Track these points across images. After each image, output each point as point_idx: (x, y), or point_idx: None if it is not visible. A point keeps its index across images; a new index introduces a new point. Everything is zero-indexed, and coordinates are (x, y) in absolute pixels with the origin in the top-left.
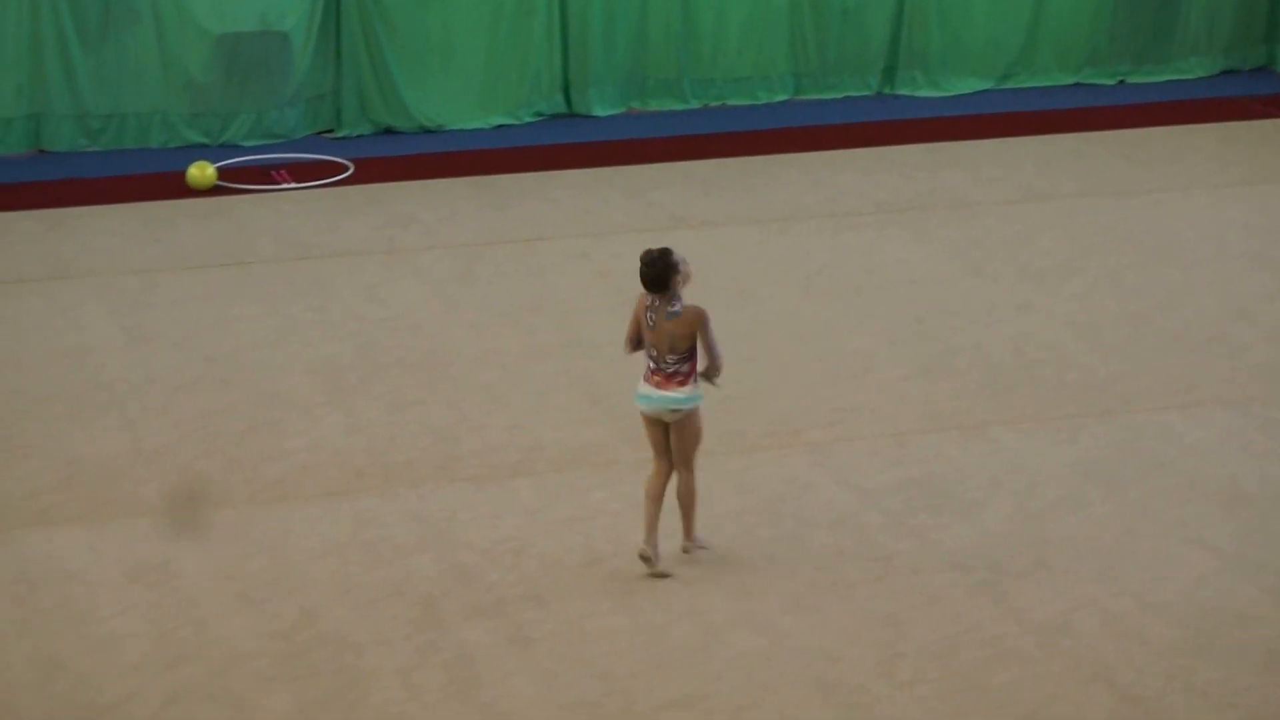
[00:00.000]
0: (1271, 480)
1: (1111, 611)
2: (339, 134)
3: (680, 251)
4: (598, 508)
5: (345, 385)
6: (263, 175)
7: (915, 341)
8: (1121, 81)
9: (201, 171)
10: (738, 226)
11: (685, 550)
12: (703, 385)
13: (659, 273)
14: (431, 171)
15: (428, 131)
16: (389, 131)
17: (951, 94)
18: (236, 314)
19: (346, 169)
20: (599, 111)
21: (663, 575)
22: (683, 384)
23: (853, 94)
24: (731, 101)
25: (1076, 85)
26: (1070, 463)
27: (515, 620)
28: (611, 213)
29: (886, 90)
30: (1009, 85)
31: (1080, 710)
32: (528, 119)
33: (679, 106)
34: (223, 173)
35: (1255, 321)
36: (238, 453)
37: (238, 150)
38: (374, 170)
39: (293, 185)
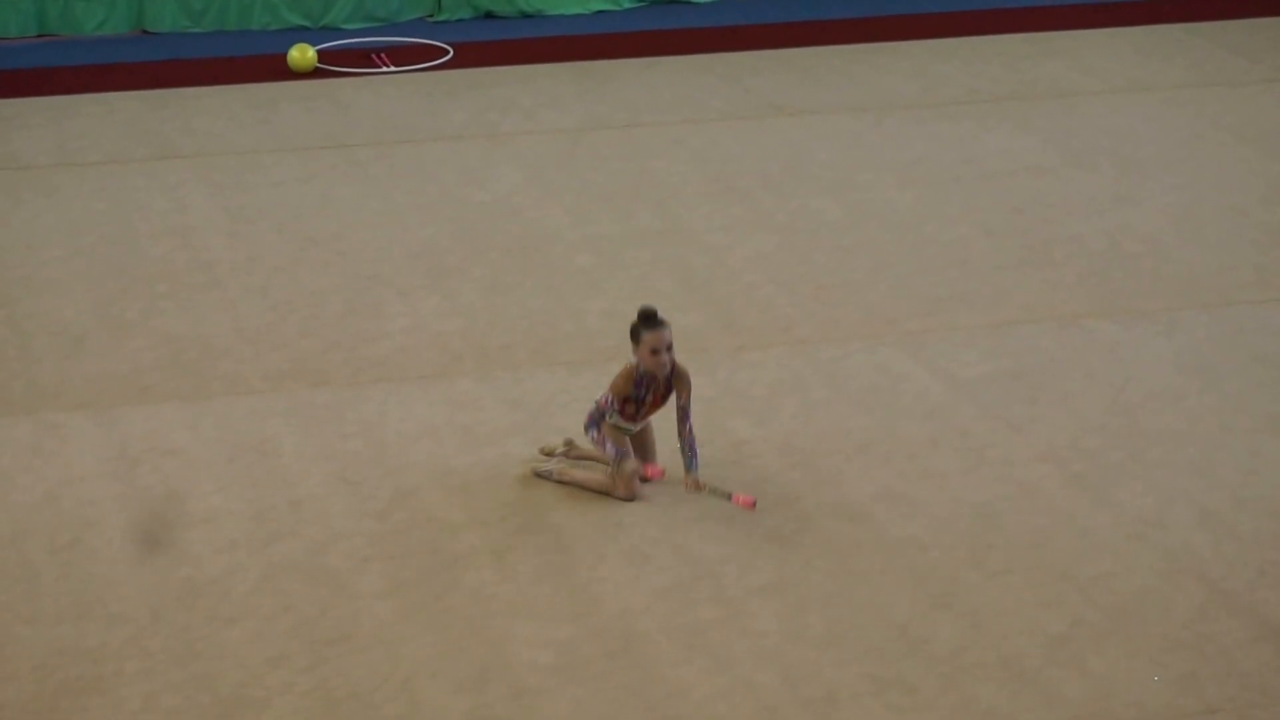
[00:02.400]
0: None
1: (1205, 505)
2: (439, 18)
3: (665, 336)
4: (692, 394)
5: (444, 268)
6: (363, 58)
7: (1012, 232)
8: None
9: (302, 54)
10: (835, 115)
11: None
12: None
13: (632, 327)
14: (531, 57)
15: (527, 16)
16: (489, 16)
17: None
18: (337, 196)
19: (447, 53)
20: None
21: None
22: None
23: None
24: None
25: None
26: (1167, 355)
27: (607, 504)
28: (709, 99)
29: None
30: None
31: (1171, 602)
32: (627, 5)
33: None
34: (323, 56)
35: None
36: (336, 334)
37: (339, 33)
38: (474, 55)
39: (393, 69)
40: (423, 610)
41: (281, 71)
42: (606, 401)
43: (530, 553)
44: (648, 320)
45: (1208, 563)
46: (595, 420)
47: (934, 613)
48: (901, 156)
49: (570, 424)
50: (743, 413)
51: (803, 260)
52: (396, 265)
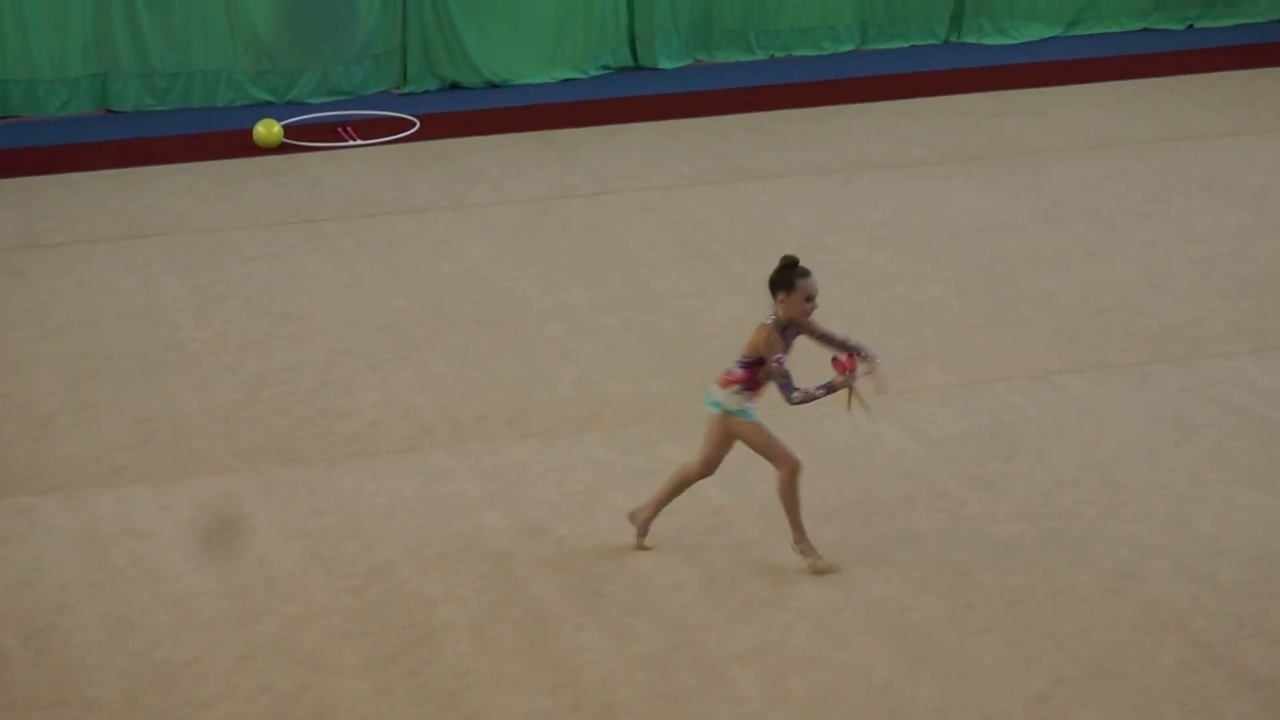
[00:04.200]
0: None
1: (1182, 558)
2: (405, 90)
3: (813, 284)
4: (666, 461)
5: (414, 341)
6: (330, 132)
7: (983, 290)
8: (1190, 26)
9: (268, 130)
10: (804, 177)
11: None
12: (735, 402)
13: (770, 277)
14: (498, 127)
15: (494, 87)
16: (455, 87)
17: (1019, 41)
18: (306, 271)
19: (413, 125)
20: (665, 64)
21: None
22: (722, 384)
23: (919, 43)
24: (797, 52)
25: (1144, 30)
26: (1140, 409)
27: (585, 574)
28: (677, 165)
29: (954, 38)
30: (1076, 32)
31: (1151, 656)
32: (593, 73)
33: (745, 58)
34: (290, 130)
35: None
36: (308, 410)
37: (304, 108)
38: (441, 126)
39: (360, 142)
40: (402, 685)
41: (248, 147)
42: (780, 363)
43: (508, 625)
44: (800, 270)
45: (1187, 615)
46: (788, 384)
47: (915, 673)
48: (871, 217)
49: (546, 492)
50: (718, 479)
51: None
52: (367, 339)
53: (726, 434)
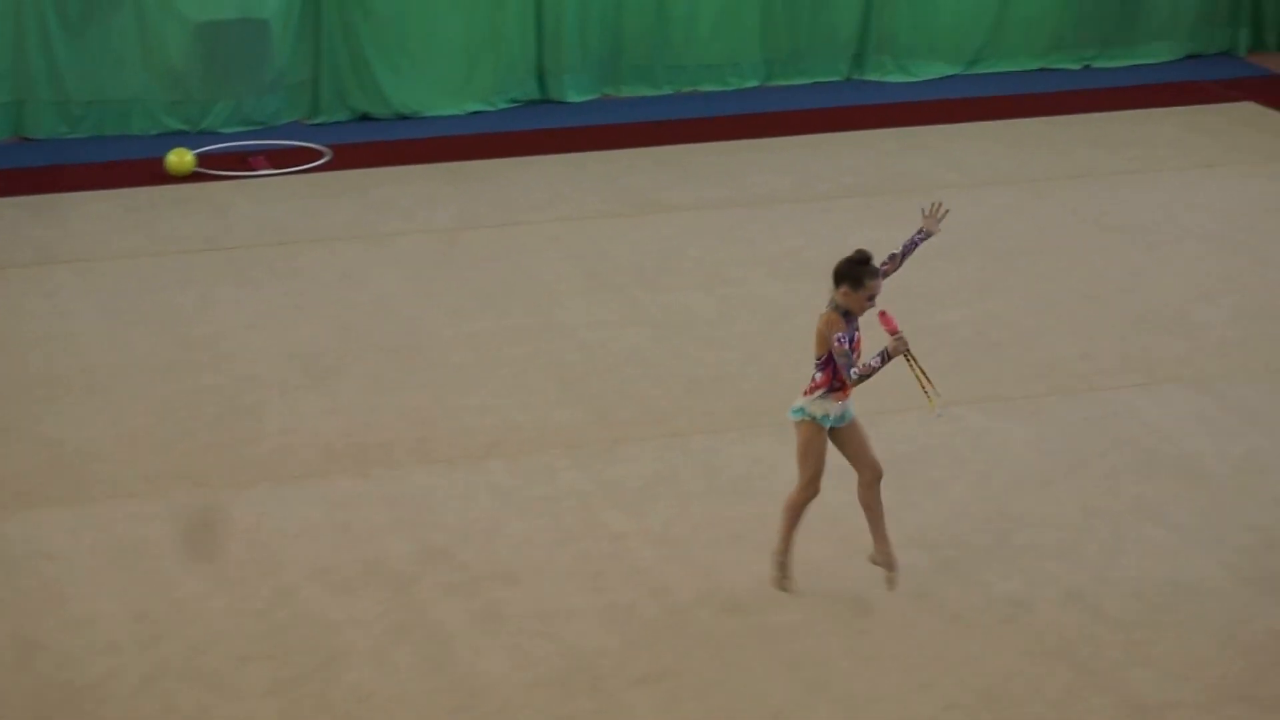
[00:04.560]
0: (1229, 457)
1: (1071, 587)
2: (317, 121)
3: (879, 285)
4: (568, 488)
5: (322, 369)
6: (242, 162)
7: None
8: (1087, 66)
9: (180, 159)
10: (709, 210)
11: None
12: (820, 407)
13: (838, 268)
14: (408, 158)
15: (404, 118)
16: (366, 118)
17: (920, 79)
18: (216, 299)
19: (325, 155)
20: (573, 98)
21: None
22: (805, 392)
23: (823, 79)
24: (703, 87)
25: (1043, 70)
26: (1032, 441)
27: (486, 599)
28: (585, 197)
29: (856, 76)
30: (976, 70)
31: (1039, 683)
32: (503, 105)
33: (652, 93)
34: (202, 159)
35: (1216, 302)
36: (215, 436)
37: (217, 137)
38: (352, 157)
39: (271, 172)
40: (304, 708)
41: (160, 176)
42: (841, 340)
43: (410, 648)
44: (870, 269)
45: (1075, 644)
46: (847, 363)
47: (809, 698)
48: (773, 250)
49: (450, 518)
50: (619, 506)
51: (677, 353)
52: (275, 366)
53: (816, 440)
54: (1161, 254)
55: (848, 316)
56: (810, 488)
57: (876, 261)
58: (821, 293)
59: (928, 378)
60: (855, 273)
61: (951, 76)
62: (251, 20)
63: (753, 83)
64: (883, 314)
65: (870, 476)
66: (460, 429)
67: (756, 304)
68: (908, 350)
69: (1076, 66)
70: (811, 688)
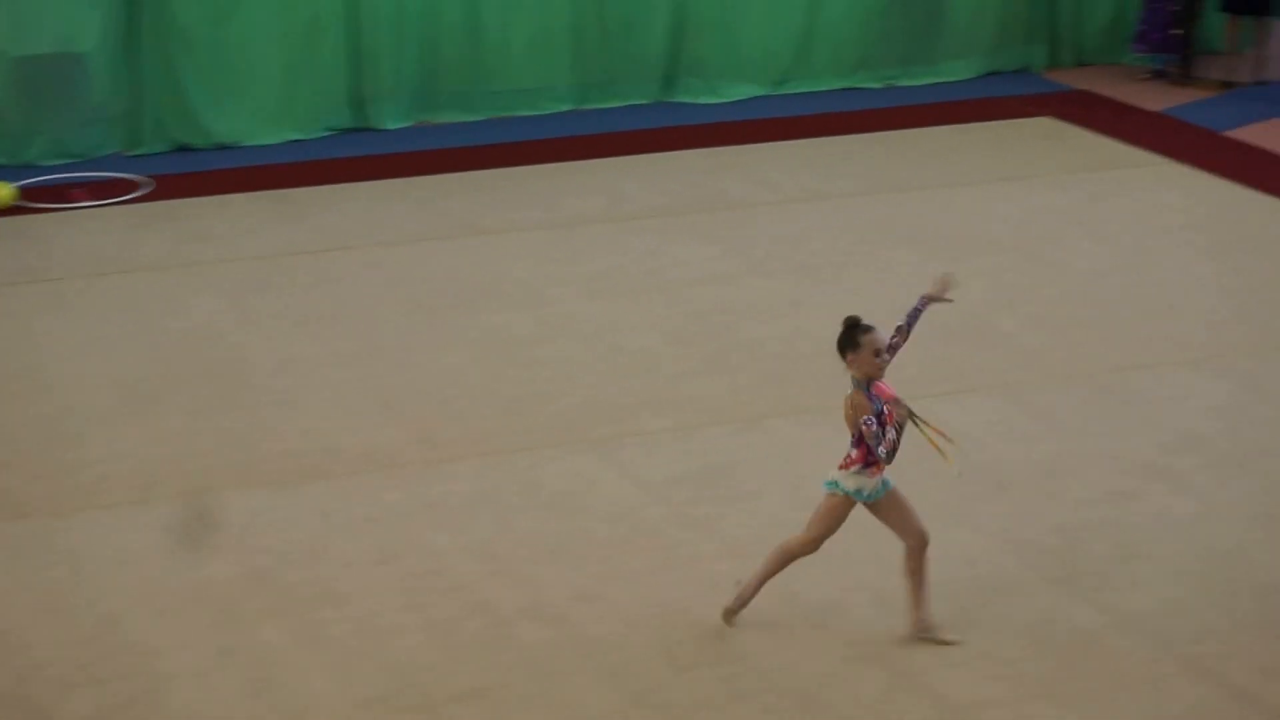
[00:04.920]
0: (1034, 463)
1: (883, 591)
2: (138, 152)
3: (878, 338)
4: (390, 509)
5: (144, 396)
6: (63, 194)
7: (696, 339)
8: (890, 85)
9: (1, 191)
10: (525, 232)
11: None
12: (855, 482)
13: (837, 342)
14: (228, 187)
15: (222, 148)
16: (185, 149)
17: (729, 100)
18: (38, 330)
19: (145, 186)
20: (389, 125)
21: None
22: (841, 466)
23: (634, 102)
24: (518, 112)
25: (848, 89)
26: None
27: (311, 620)
28: (402, 223)
29: (666, 98)
30: (783, 91)
31: (853, 687)
32: (320, 133)
33: (467, 118)
34: (23, 192)
35: (1018, 310)
36: (37, 465)
37: (37, 170)
38: (172, 187)
39: (91, 203)
40: None
41: None
42: (869, 424)
43: (235, 671)
44: (862, 326)
45: (887, 647)
46: (878, 443)
47: (630, 709)
48: (589, 270)
49: (273, 541)
50: (440, 524)
51: (496, 374)
52: (97, 394)
53: (841, 511)
54: (965, 265)
55: (871, 389)
56: (813, 545)
57: (884, 333)
58: (636, 309)
59: (942, 434)
60: (848, 337)
61: (760, 97)
62: (68, 54)
63: (566, 107)
64: (876, 387)
65: (916, 544)
66: (283, 453)
67: (573, 323)
68: (911, 413)
69: (880, 85)
70: (632, 698)
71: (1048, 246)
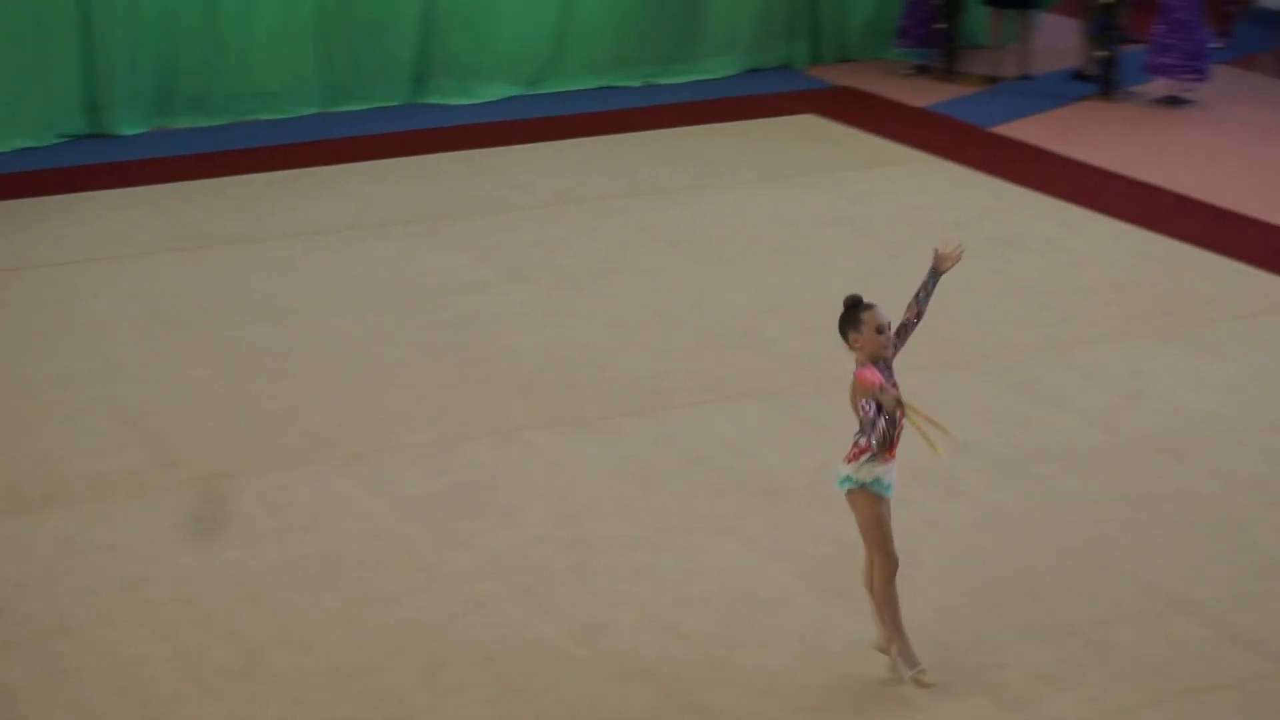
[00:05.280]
0: (802, 470)
1: (650, 607)
2: None
3: (880, 314)
4: (133, 534)
5: None
6: None
7: (451, 349)
8: (649, 83)
9: None
10: (269, 241)
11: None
12: (869, 472)
13: (838, 322)
14: None
15: None
16: None
17: (482, 101)
18: None
19: None
20: (126, 130)
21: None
22: (848, 459)
23: (383, 104)
24: (260, 116)
25: (605, 88)
26: (607, 462)
27: (51, 652)
28: (140, 233)
29: (418, 100)
30: (538, 90)
31: (622, 706)
32: (52, 140)
33: (207, 123)
34: None
35: (784, 314)
36: None
37: None
38: None
39: None
40: None
41: None
42: (866, 409)
43: None
44: (864, 304)
45: (657, 664)
46: (870, 430)
47: None
48: (338, 280)
49: (10, 570)
50: (186, 549)
51: (241, 390)
52: None
53: (874, 509)
54: (728, 268)
55: (880, 366)
56: (890, 560)
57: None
58: (388, 320)
59: (933, 422)
60: (849, 317)
61: (514, 97)
62: None
63: (311, 110)
64: (858, 373)
65: (889, 566)
66: (16, 478)
67: (322, 336)
68: (899, 400)
69: (638, 84)
70: None
71: (812, 247)
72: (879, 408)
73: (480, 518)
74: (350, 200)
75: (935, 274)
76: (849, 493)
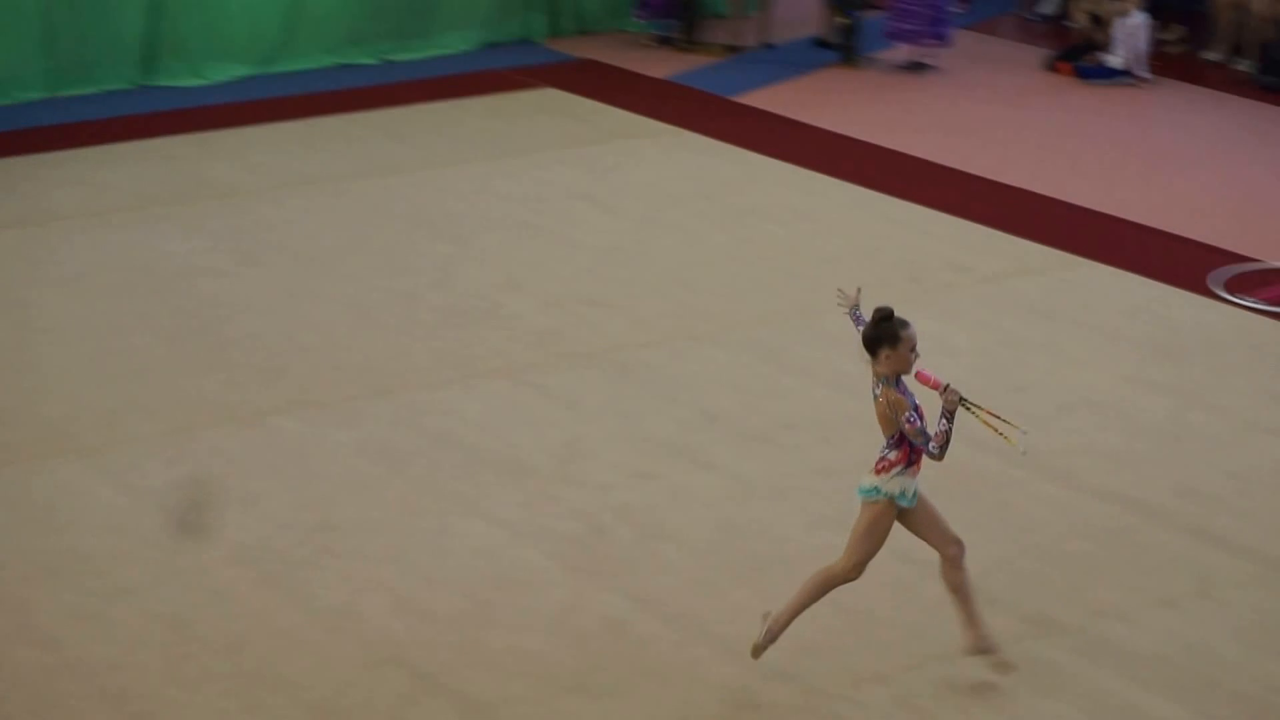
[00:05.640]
0: (547, 446)
1: (398, 590)
2: None
3: (914, 333)
4: None
5: None
6: None
7: (189, 336)
8: (386, 60)
9: None
10: None
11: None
12: (899, 484)
13: (867, 335)
14: None
15: None
16: None
17: (214, 82)
18: None
19: None
20: None
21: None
22: (876, 470)
23: (111, 88)
24: None
25: (341, 66)
26: (351, 445)
27: None
28: None
29: (147, 82)
30: (272, 70)
31: (372, 692)
32: None
33: None
34: None
35: (525, 290)
36: None
37: None
38: None
39: None
40: None
41: None
42: (913, 421)
43: None
44: (899, 320)
45: (406, 648)
46: (924, 440)
47: None
48: (69, 269)
49: None
50: None
51: None
52: None
53: (885, 521)
54: (468, 246)
55: (899, 385)
56: (858, 570)
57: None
58: (121, 307)
59: (996, 416)
60: (889, 331)
61: (246, 78)
62: None
63: (36, 95)
64: (919, 375)
65: (954, 551)
66: None
67: (55, 325)
68: (962, 399)
69: (374, 61)
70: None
71: (556, 222)
72: (920, 415)
73: (223, 506)
74: (79, 186)
75: (948, 415)
76: (869, 502)
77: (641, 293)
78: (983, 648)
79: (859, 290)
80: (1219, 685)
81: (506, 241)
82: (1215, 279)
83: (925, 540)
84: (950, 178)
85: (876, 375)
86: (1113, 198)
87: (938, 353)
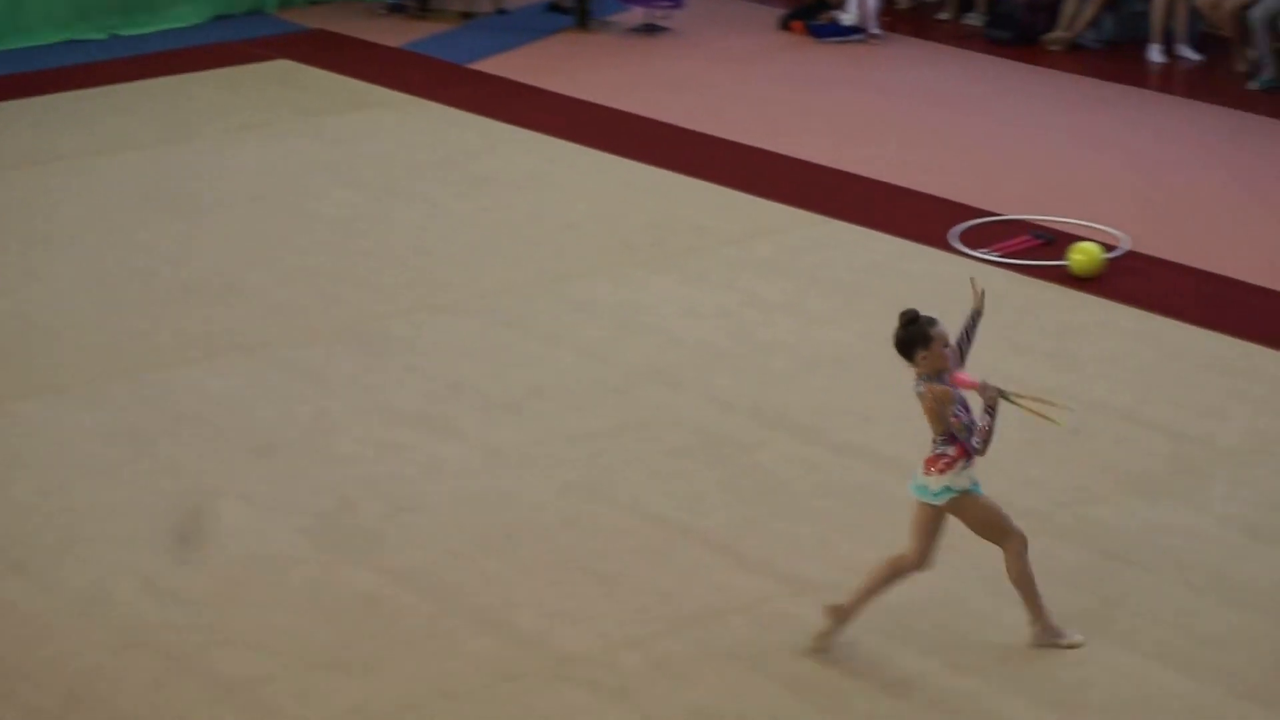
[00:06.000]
0: (298, 423)
1: (148, 574)
2: None
3: (944, 329)
4: None
5: None
6: None
7: None
8: (114, 35)
9: None
10: None
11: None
12: (966, 479)
13: (899, 339)
14: None
15: None
16: None
17: None
18: None
19: None
20: None
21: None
22: (930, 470)
23: None
24: None
25: (68, 42)
26: (94, 428)
27: None
28: None
29: None
30: None
31: (123, 676)
32: None
33: None
34: None
35: (266, 265)
36: None
37: None
38: None
39: None
40: None
41: None
42: (959, 415)
43: None
44: (926, 319)
45: (156, 630)
46: (967, 436)
47: None
48: None
49: None
50: None
51: None
52: None
53: (940, 518)
54: (207, 222)
55: (941, 379)
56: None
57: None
58: None
59: (1039, 400)
60: (918, 333)
61: None
62: None
63: None
64: (955, 379)
65: (1017, 544)
66: None
67: None
68: (1001, 391)
69: (102, 36)
70: None
71: (294, 195)
72: (966, 407)
73: None
74: None
75: (977, 315)
76: (950, 502)
77: (383, 264)
78: (1052, 637)
79: (983, 292)
80: (968, 636)
81: (244, 216)
82: (954, 234)
83: (989, 537)
84: (688, 139)
85: (918, 374)
86: (851, 156)
87: (684, 315)
